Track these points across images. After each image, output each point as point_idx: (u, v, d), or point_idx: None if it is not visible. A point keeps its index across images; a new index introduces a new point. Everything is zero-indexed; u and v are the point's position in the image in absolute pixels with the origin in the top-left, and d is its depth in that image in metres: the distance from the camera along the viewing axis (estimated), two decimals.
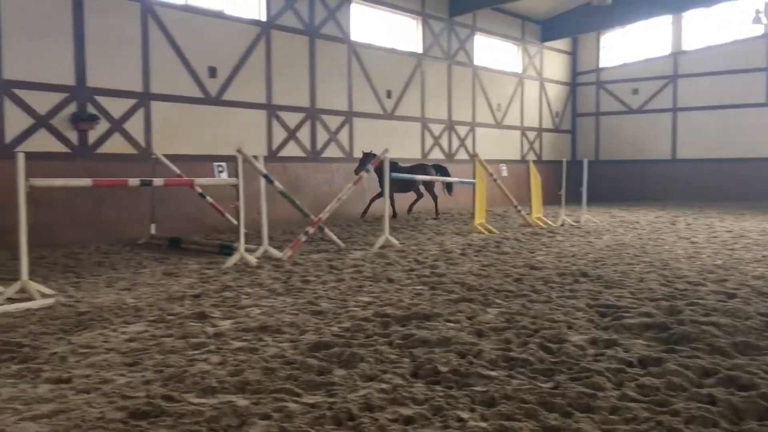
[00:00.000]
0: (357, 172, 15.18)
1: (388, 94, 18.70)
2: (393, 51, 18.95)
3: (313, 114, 16.53)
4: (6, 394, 4.12)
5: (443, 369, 4.44)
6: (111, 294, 7.32)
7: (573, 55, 26.69)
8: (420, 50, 19.88)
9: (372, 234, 12.90)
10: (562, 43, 25.94)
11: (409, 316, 6.00)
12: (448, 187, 16.48)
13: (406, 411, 3.76)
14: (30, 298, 6.87)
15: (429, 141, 20.22)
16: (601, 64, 26.21)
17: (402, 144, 18.96)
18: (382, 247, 10.90)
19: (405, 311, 6.21)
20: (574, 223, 15.35)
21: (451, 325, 5.69)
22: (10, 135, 11.14)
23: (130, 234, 12.04)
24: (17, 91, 11.20)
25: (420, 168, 16.46)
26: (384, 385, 4.17)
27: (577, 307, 6.38)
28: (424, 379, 4.34)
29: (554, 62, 25.76)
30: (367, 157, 15.47)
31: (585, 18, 24.13)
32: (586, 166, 16.23)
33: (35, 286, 7.11)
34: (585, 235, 13.20)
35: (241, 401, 3.97)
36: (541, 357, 4.74)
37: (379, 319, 5.91)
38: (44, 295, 7.03)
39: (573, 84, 26.74)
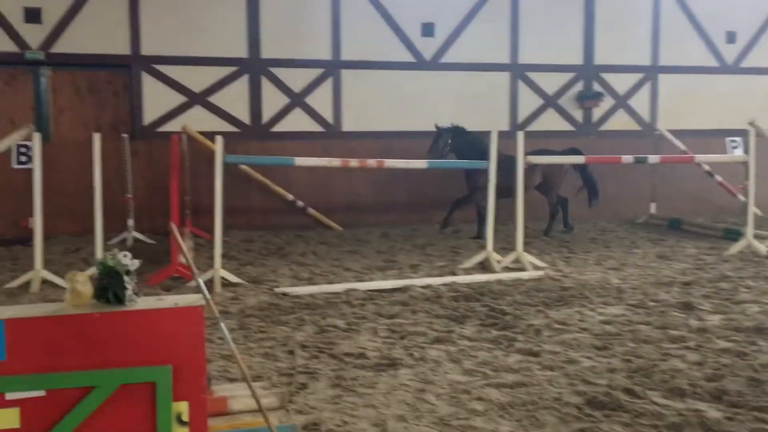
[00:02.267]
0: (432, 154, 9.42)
1: None
2: None
3: None
4: (481, 358, 4.40)
5: None
6: (597, 272, 7.24)
7: None
8: None
9: None
10: None
11: None
12: (592, 192, 10.05)
13: None
14: (522, 269, 7.28)
15: None
16: None
17: None
18: None
19: None
20: None
21: None
22: (522, 115, 12.02)
23: (629, 212, 11.80)
24: (529, 74, 11.98)
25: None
26: None
27: None
28: None
29: None
30: (448, 134, 9.63)
31: None
32: None
33: (529, 258, 7.50)
34: None
35: (713, 412, 3.42)
36: None
37: None
38: (536, 267, 7.37)
39: None
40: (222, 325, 2.86)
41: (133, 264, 2.62)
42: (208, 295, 2.72)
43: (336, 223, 10.48)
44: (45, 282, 6.57)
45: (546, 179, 9.83)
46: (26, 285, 6.52)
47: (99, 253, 6.70)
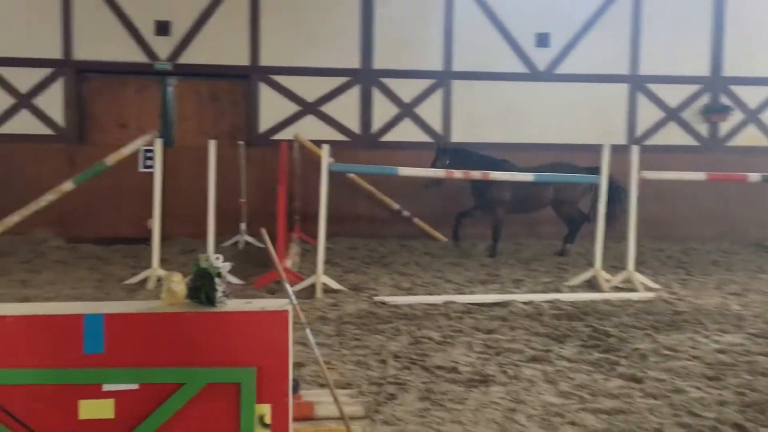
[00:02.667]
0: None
1: None
2: None
3: None
4: (579, 380, 4.21)
5: None
6: (716, 297, 6.79)
7: None
8: None
9: None
10: None
11: None
12: (613, 210, 8.37)
13: None
14: (633, 290, 6.94)
15: None
16: None
17: None
18: None
19: None
20: None
21: None
22: (641, 128, 11.49)
23: (757, 235, 11.01)
24: (650, 86, 11.44)
25: (564, 169, 8.84)
26: None
27: None
28: None
29: None
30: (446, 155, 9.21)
31: None
32: None
33: (640, 278, 7.15)
34: None
35: None
36: None
37: None
38: (648, 288, 7.01)
39: None
40: (307, 330, 2.89)
41: (225, 267, 2.70)
42: (294, 301, 2.76)
43: (441, 234, 10.43)
44: (161, 280, 6.92)
45: (558, 195, 9.27)
46: (144, 282, 6.90)
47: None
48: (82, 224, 10.02)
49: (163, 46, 10.38)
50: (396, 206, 10.44)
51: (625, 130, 11.43)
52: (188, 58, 10.43)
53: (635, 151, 7.20)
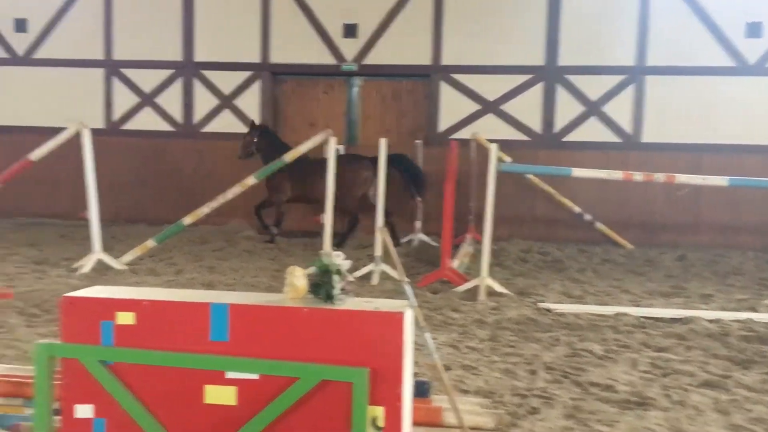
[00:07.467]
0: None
1: None
2: None
3: None
4: (756, 413, 3.69)
5: None
6: None
7: None
8: None
9: None
10: None
11: None
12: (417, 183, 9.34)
13: None
14: None
15: None
16: None
17: None
18: None
19: None
20: None
21: None
22: None
23: None
24: None
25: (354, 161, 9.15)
26: None
27: None
28: None
29: None
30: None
31: None
32: None
33: None
34: None
35: None
36: None
37: None
38: None
39: None
40: (427, 335, 2.79)
41: (345, 264, 2.68)
42: (414, 302, 2.67)
43: (626, 240, 9.75)
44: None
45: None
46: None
47: (377, 252, 7.12)
48: (270, 217, 10.67)
49: (349, 48, 10.76)
50: (577, 209, 9.94)
51: None
52: (373, 58, 10.72)
53: None
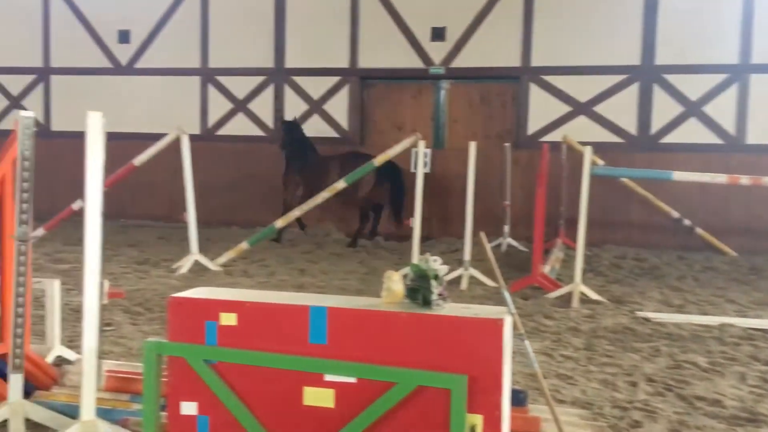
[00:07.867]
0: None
1: None
2: None
3: None
4: None
5: None
6: None
7: None
8: None
9: None
10: None
11: None
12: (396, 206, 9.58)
13: None
14: None
15: None
16: None
17: None
18: None
19: None
20: None
21: None
22: None
23: None
24: None
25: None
26: None
27: None
28: None
29: None
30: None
31: None
32: None
33: None
34: None
35: None
36: None
37: None
38: None
39: None
40: (526, 342, 2.72)
41: (443, 270, 2.65)
42: (513, 309, 2.61)
43: (730, 247, 9.27)
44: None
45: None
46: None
47: (466, 256, 7.06)
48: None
49: (437, 51, 10.73)
50: (675, 214, 9.53)
51: None
52: (461, 61, 10.64)
53: None
